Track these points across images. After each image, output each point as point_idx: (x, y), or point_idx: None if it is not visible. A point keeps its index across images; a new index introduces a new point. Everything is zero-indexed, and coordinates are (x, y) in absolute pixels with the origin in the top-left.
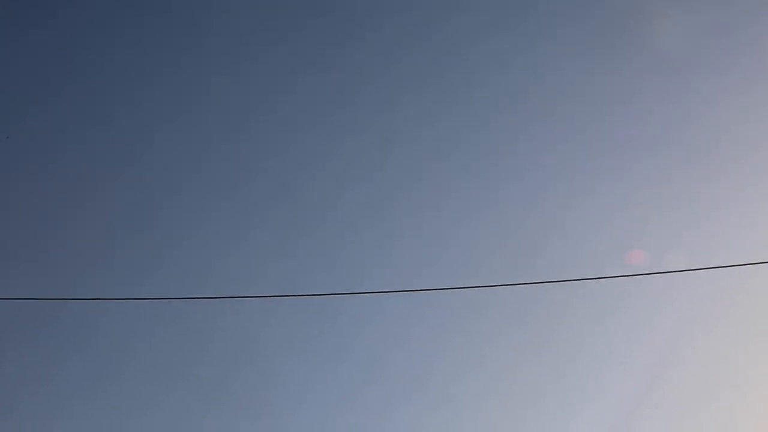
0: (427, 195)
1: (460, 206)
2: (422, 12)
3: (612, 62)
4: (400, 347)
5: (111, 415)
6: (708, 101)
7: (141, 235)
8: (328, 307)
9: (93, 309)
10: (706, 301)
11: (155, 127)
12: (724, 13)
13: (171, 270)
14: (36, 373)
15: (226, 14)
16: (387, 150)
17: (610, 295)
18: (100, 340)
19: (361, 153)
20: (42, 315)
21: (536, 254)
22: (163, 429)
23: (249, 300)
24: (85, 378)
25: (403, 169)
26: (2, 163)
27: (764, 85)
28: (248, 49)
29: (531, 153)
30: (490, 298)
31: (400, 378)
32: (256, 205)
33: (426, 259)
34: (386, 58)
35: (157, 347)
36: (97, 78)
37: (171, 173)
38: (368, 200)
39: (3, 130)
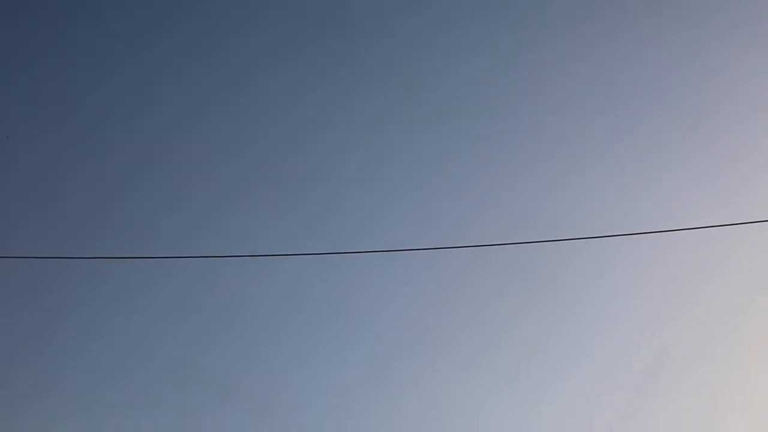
0: (424, 153)
1: (458, 166)
2: None
3: (615, 24)
4: (399, 305)
5: (113, 368)
6: (713, 64)
7: (141, 195)
8: (328, 266)
9: (95, 267)
10: (704, 260)
11: (155, 79)
12: None
13: (170, 229)
14: (39, 330)
15: None
16: (383, 109)
17: (608, 254)
18: (101, 299)
19: (357, 110)
20: (44, 274)
21: (535, 213)
22: (164, 378)
23: (250, 259)
24: (86, 338)
25: (400, 126)
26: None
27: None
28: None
29: (531, 113)
30: (487, 256)
31: (399, 334)
32: (256, 166)
33: (422, 218)
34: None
35: (156, 304)
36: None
37: (172, 132)
38: (366, 160)
39: (3, 131)
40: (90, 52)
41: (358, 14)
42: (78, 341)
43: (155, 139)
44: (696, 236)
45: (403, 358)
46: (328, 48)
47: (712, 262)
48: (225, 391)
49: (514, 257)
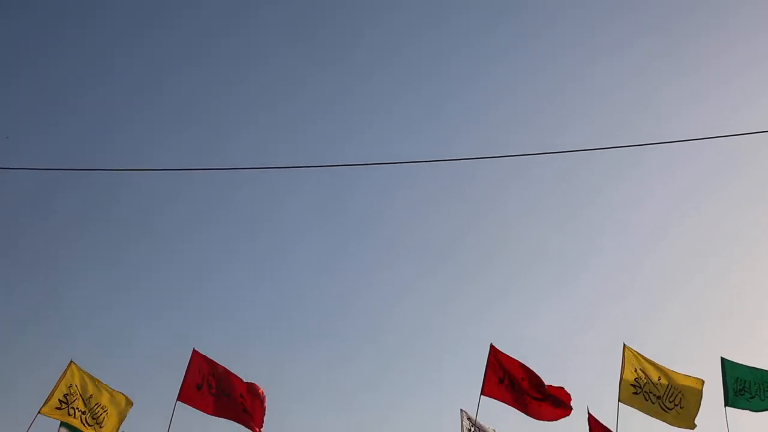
0: (422, 63)
1: (457, 75)
2: None
3: None
4: (402, 211)
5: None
6: None
7: (156, 106)
8: (341, 177)
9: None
10: (706, 172)
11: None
12: None
13: (194, 142)
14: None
15: None
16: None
17: (612, 164)
18: (119, 208)
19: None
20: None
21: (540, 122)
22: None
23: (263, 172)
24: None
25: (398, 38)
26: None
27: None
28: None
29: (534, 22)
30: (488, 166)
31: (398, 238)
32: (266, 88)
33: (438, 128)
34: None
35: (177, 213)
36: None
37: (181, 55)
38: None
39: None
40: None
41: None
42: None
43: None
44: (701, 147)
45: (400, 260)
46: None
47: (716, 173)
48: None
49: (512, 169)
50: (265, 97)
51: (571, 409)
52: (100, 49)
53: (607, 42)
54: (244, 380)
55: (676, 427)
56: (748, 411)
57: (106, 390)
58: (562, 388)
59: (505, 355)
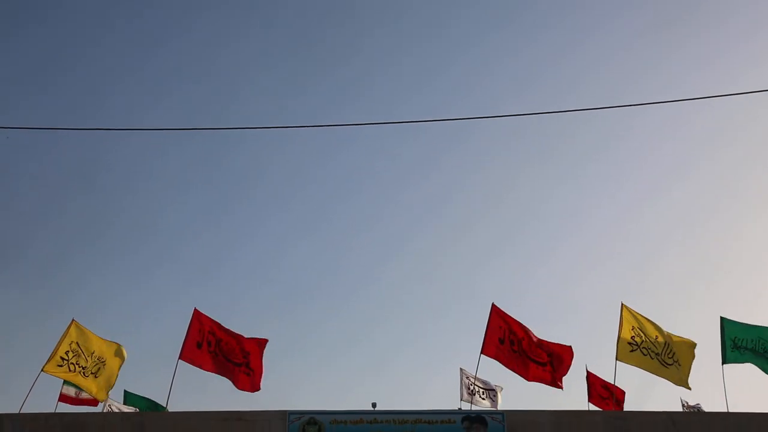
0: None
1: (458, 38)
2: None
3: None
4: (402, 165)
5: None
6: None
7: (154, 64)
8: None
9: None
10: (708, 131)
11: None
12: None
13: (199, 100)
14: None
15: None
16: None
17: (613, 124)
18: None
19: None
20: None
21: (544, 79)
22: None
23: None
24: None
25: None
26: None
27: None
28: None
29: None
30: (488, 125)
31: (394, 193)
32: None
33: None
34: None
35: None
36: None
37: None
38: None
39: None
40: None
41: None
42: None
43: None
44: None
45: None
46: None
47: (720, 131)
48: None
49: (512, 127)
50: (269, 57)
51: (563, 376)
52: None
53: (613, 6)
54: (246, 337)
55: (673, 383)
56: (743, 364)
57: (104, 343)
58: (569, 347)
59: (507, 315)
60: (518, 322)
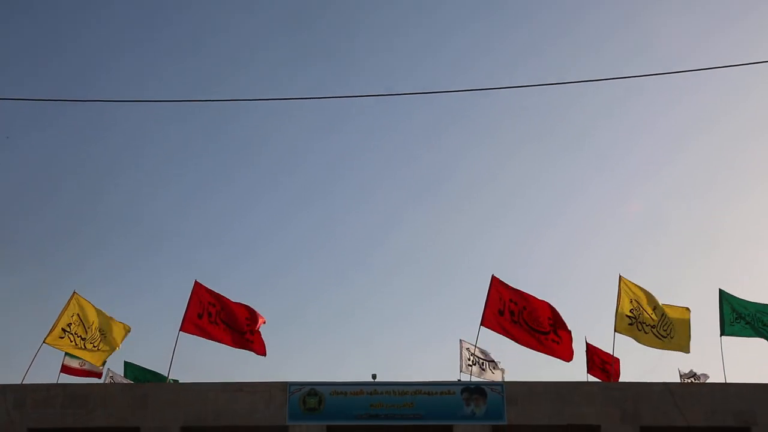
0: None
1: (457, 15)
2: None
3: None
4: (401, 138)
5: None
6: None
7: (157, 41)
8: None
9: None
10: (706, 105)
11: None
12: None
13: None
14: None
15: None
16: None
17: (612, 98)
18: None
19: None
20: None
21: (536, 57)
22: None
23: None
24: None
25: None
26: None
27: None
28: None
29: None
30: (486, 98)
31: (393, 165)
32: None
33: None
34: None
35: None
36: None
37: None
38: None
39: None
40: None
41: None
42: None
43: None
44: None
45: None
46: None
47: (719, 103)
48: None
49: (511, 101)
50: (271, 31)
51: (570, 354)
52: None
53: None
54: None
55: (671, 351)
56: (742, 338)
57: (105, 317)
58: (569, 332)
59: (508, 285)
60: (520, 291)
